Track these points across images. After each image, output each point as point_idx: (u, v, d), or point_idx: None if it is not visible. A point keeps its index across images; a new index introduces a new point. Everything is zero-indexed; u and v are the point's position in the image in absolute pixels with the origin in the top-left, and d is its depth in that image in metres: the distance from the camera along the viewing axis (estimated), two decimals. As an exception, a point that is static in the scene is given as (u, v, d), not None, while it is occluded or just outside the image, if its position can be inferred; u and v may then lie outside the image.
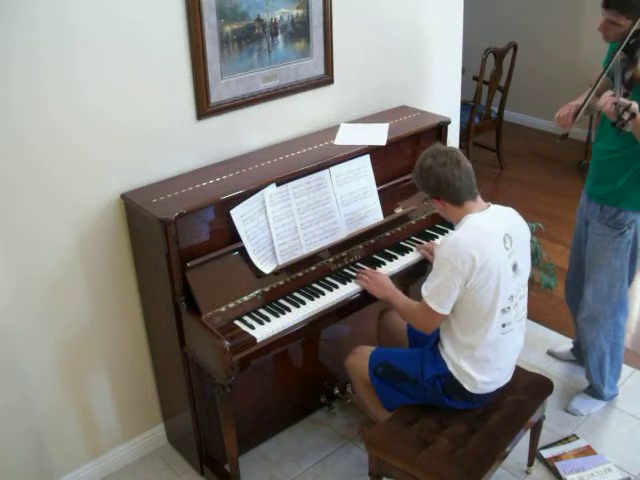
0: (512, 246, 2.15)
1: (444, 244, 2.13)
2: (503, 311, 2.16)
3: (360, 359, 2.46)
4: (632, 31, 2.21)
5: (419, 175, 2.22)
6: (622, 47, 2.23)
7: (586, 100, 2.35)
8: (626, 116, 2.13)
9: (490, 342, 2.17)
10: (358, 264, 2.58)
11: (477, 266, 2.06)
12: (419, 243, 2.70)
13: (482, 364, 2.20)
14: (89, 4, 2.10)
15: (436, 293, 2.13)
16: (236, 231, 2.33)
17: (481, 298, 2.11)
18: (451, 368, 2.23)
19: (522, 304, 2.25)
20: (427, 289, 2.15)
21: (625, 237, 2.57)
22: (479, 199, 2.21)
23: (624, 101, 2.16)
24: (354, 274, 2.50)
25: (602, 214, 2.59)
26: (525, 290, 2.26)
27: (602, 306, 2.72)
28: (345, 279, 2.49)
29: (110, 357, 2.56)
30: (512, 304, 2.18)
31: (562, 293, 3.12)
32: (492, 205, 2.22)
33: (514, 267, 2.16)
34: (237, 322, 2.26)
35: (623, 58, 2.26)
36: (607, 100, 2.22)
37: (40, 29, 2.03)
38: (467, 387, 2.23)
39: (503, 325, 2.18)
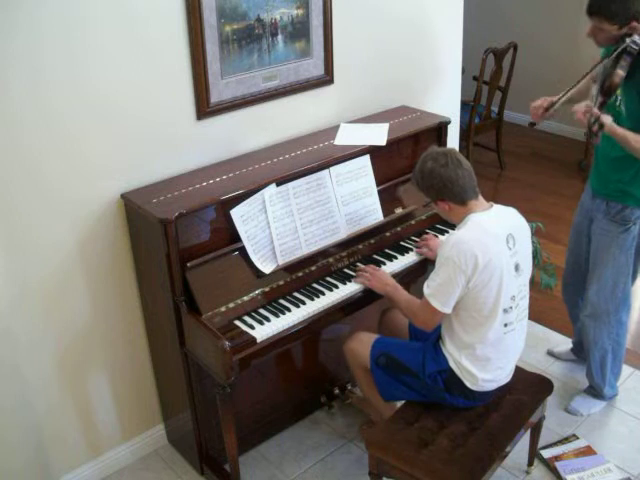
0: (515, 246, 2.16)
1: (447, 243, 2.13)
2: (505, 311, 2.16)
3: (360, 346, 2.46)
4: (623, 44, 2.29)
5: (420, 179, 2.21)
6: (615, 54, 2.29)
7: (560, 98, 2.44)
8: (595, 127, 2.20)
9: (492, 341, 2.17)
10: (358, 264, 2.58)
11: (480, 265, 2.06)
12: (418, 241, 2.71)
13: (483, 362, 2.20)
14: (90, 3, 2.10)
15: (438, 292, 2.13)
16: (236, 231, 2.33)
17: (483, 297, 2.11)
18: (452, 364, 2.24)
19: (523, 304, 2.25)
20: (429, 287, 2.16)
21: (630, 233, 2.59)
22: (481, 198, 2.21)
23: (595, 112, 2.22)
24: (354, 273, 2.50)
25: (608, 210, 2.60)
26: (527, 290, 2.26)
27: (606, 303, 2.72)
28: (345, 279, 2.49)
29: (110, 357, 2.56)
30: (514, 304, 2.18)
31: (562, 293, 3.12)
32: (495, 205, 2.22)
33: (516, 267, 2.16)
34: (237, 322, 2.26)
35: (611, 65, 2.31)
36: (579, 109, 2.29)
37: (40, 30, 2.03)
38: (468, 384, 2.23)
39: (505, 325, 2.18)
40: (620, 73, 2.27)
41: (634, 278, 2.76)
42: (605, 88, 2.30)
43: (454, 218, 2.24)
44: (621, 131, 2.32)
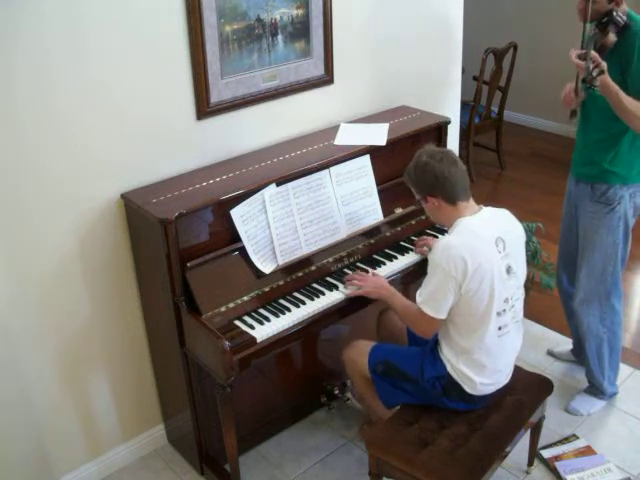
0: (505, 249, 2.14)
1: (436, 249, 2.13)
2: (499, 314, 2.15)
3: (358, 354, 2.45)
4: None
5: (414, 172, 2.20)
6: (602, 24, 2.40)
7: (578, 75, 2.46)
8: (595, 72, 2.23)
9: (487, 345, 2.17)
10: (358, 264, 2.58)
11: (469, 270, 2.05)
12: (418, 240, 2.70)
13: (480, 367, 2.20)
14: (91, 3, 2.10)
15: (431, 299, 2.12)
16: (236, 231, 2.33)
17: (476, 302, 2.10)
18: (450, 370, 2.23)
19: (519, 305, 2.25)
20: (422, 295, 2.15)
21: (616, 213, 2.62)
22: (472, 201, 2.20)
23: (595, 55, 2.26)
24: (343, 282, 2.44)
25: (593, 192, 2.64)
26: (521, 292, 2.25)
27: (596, 287, 2.73)
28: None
29: (110, 357, 2.56)
30: (508, 306, 2.17)
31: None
32: (484, 207, 2.21)
33: (508, 269, 2.15)
34: (237, 322, 2.26)
35: (595, 33, 2.41)
36: (573, 53, 2.33)
37: (43, 30, 2.03)
38: (467, 389, 2.22)
39: (499, 328, 2.17)
40: (612, 36, 2.38)
41: (623, 264, 2.76)
42: (598, 48, 2.37)
43: (442, 218, 2.23)
44: (615, 86, 2.33)
